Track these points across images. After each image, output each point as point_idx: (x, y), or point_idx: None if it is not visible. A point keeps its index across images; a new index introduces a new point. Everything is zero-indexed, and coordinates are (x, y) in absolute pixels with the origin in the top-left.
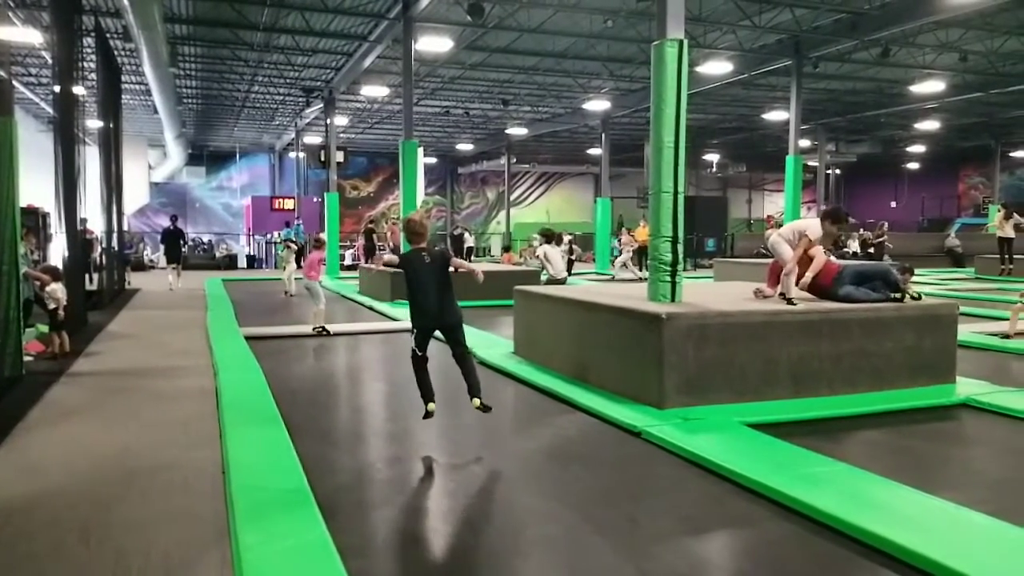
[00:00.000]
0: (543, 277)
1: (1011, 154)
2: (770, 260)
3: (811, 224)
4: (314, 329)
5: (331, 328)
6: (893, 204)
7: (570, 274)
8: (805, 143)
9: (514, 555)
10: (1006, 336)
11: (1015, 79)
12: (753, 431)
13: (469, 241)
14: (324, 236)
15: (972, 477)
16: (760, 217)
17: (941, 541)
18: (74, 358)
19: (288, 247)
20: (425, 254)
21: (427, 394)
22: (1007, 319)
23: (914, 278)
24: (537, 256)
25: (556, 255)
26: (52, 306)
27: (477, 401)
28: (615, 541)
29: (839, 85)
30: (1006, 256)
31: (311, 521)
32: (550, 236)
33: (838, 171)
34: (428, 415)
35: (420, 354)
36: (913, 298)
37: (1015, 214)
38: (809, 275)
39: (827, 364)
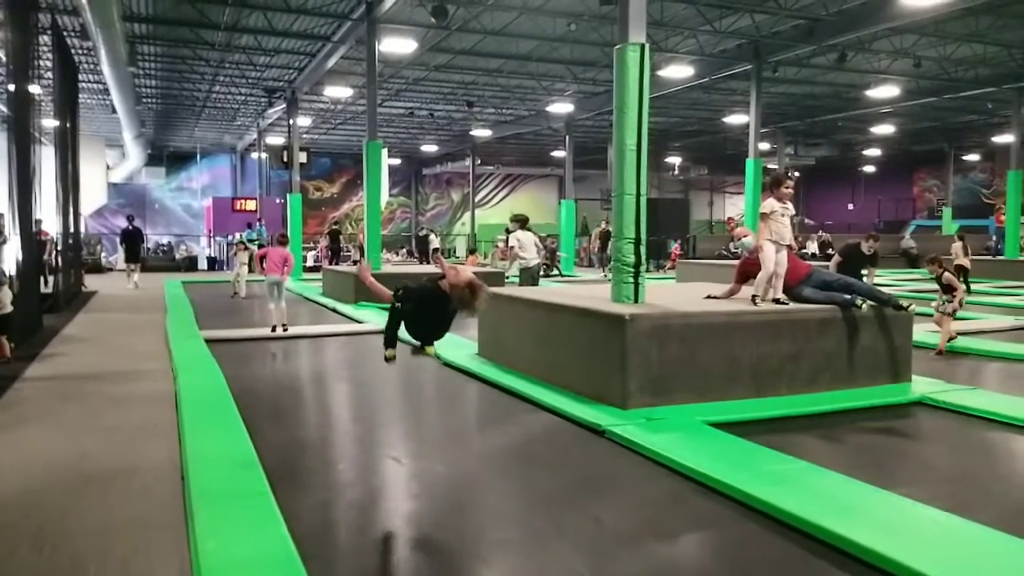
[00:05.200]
0: (513, 268)
1: (964, 157)
2: (735, 262)
3: (762, 207)
4: (273, 328)
5: (293, 331)
6: (850, 206)
7: (548, 276)
8: (765, 146)
9: (475, 558)
10: (952, 337)
11: (966, 84)
12: (715, 430)
13: (435, 242)
14: (287, 233)
15: (928, 473)
16: (721, 219)
17: (898, 536)
18: (28, 362)
19: (245, 248)
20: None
21: (393, 342)
22: (960, 320)
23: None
24: (510, 246)
25: (529, 241)
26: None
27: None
28: (578, 542)
29: (798, 89)
30: (967, 282)
31: (272, 525)
32: (524, 220)
33: (797, 174)
34: (389, 360)
35: (400, 309)
36: (903, 308)
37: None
38: (779, 283)
39: (787, 364)
